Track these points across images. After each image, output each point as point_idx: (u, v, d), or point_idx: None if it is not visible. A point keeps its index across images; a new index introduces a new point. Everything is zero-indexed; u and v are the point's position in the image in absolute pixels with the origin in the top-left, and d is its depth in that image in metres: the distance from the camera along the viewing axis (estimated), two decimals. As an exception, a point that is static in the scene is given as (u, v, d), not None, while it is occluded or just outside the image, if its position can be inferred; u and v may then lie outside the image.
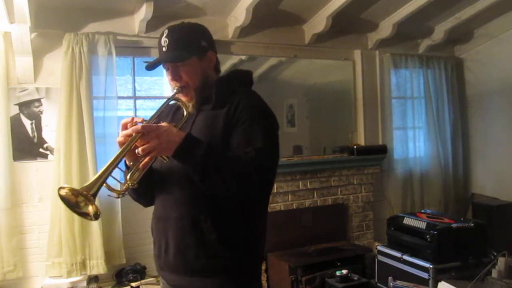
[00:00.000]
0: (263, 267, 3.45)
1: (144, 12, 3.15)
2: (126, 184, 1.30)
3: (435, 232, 3.13)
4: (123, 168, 1.38)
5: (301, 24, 4.00)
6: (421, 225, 3.30)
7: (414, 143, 4.48)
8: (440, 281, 2.93)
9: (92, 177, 1.21)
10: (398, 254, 3.39)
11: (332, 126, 4.27)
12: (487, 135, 4.65)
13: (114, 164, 1.22)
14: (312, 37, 3.96)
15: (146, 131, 1.24)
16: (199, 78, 1.45)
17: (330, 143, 4.18)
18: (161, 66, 1.48)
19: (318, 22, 3.83)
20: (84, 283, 3.13)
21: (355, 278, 3.29)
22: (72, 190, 1.16)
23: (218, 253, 1.36)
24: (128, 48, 3.44)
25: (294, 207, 3.84)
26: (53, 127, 3.19)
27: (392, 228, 3.60)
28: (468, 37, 4.70)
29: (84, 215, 1.19)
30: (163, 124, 1.30)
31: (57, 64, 3.16)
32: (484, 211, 4.19)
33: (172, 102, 1.51)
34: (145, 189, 1.47)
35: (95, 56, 3.22)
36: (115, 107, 3.32)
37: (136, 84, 3.69)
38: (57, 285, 3.08)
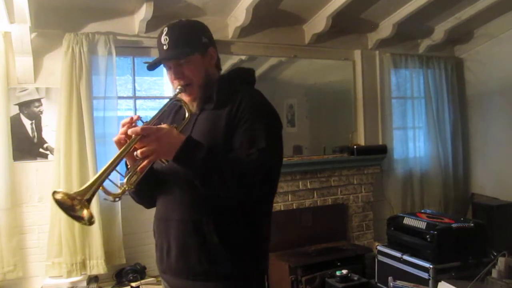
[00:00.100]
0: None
1: (144, 12, 3.15)
2: (123, 188, 1.26)
3: (435, 232, 3.13)
4: (124, 167, 1.35)
5: (301, 24, 4.00)
6: (421, 225, 3.30)
7: (414, 143, 4.48)
8: (440, 281, 2.93)
9: (91, 178, 1.18)
10: (398, 254, 3.39)
11: (332, 126, 4.27)
12: (487, 135, 4.65)
13: (111, 167, 1.18)
14: (312, 37, 3.96)
15: (146, 133, 1.21)
16: (203, 75, 1.42)
17: (330, 143, 4.18)
18: (162, 66, 1.45)
19: (318, 22, 3.83)
20: (84, 283, 3.13)
21: (355, 278, 3.29)
22: (66, 194, 1.13)
23: (220, 257, 1.34)
24: (128, 48, 3.44)
25: (294, 207, 3.84)
26: (53, 127, 3.19)
27: (392, 228, 3.60)
28: (468, 37, 4.70)
29: (79, 218, 1.15)
30: (164, 126, 1.27)
31: (57, 64, 3.16)
32: (484, 211, 4.19)
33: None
34: (146, 190, 1.46)
35: (95, 56, 3.22)
36: (115, 107, 3.32)
37: (136, 84, 3.70)
38: (57, 285, 3.08)
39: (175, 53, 1.38)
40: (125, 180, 1.26)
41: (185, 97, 1.44)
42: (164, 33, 1.40)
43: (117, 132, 1.30)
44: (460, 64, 4.84)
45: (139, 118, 1.29)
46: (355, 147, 4.09)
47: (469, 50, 4.77)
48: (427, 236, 3.17)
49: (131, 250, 3.36)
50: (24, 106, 3.16)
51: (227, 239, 1.34)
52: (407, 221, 3.46)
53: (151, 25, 3.29)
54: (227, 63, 3.68)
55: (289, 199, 3.81)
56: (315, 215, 3.96)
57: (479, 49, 4.67)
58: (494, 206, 4.17)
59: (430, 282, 3.05)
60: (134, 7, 3.29)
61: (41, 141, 3.20)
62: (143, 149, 1.20)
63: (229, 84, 1.44)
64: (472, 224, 3.26)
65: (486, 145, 4.66)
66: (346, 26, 4.06)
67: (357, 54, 4.28)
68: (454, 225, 3.21)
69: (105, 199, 1.25)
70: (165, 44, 1.39)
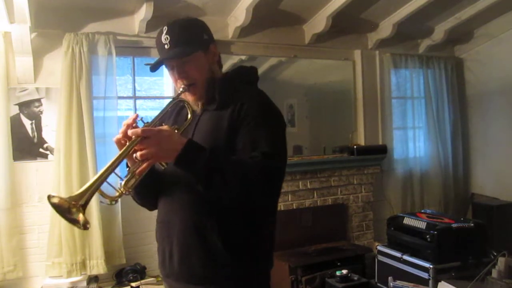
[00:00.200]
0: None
1: (144, 12, 3.16)
2: (120, 191, 1.22)
3: (435, 232, 3.13)
4: (125, 168, 1.32)
5: (301, 24, 4.00)
6: (421, 225, 3.30)
7: (414, 143, 4.48)
8: (440, 281, 2.93)
9: (89, 180, 1.15)
10: (398, 254, 3.39)
11: (332, 126, 4.27)
12: (487, 135, 4.65)
13: (109, 170, 1.14)
14: (312, 37, 3.96)
15: (146, 135, 1.17)
16: (206, 73, 1.39)
17: (330, 143, 4.18)
18: (162, 66, 1.42)
19: (318, 22, 3.83)
20: (84, 283, 3.13)
21: (355, 278, 3.29)
22: (61, 199, 1.10)
23: (223, 261, 1.31)
24: (128, 48, 3.44)
25: (294, 207, 3.84)
26: (53, 127, 3.19)
27: (392, 228, 3.60)
28: (468, 37, 4.70)
29: (75, 221, 1.12)
30: (165, 127, 1.24)
31: (57, 64, 3.16)
32: (484, 211, 4.20)
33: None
34: (146, 193, 1.44)
35: (95, 56, 3.22)
36: (115, 107, 3.32)
37: (136, 84, 3.69)
38: (57, 285, 3.08)
39: (178, 51, 1.35)
40: (122, 183, 1.23)
41: (188, 97, 1.42)
42: (164, 32, 1.37)
43: (117, 132, 1.27)
44: (460, 64, 4.84)
45: (137, 116, 1.26)
46: (355, 147, 4.09)
47: (469, 50, 4.77)
48: (427, 236, 3.17)
49: (131, 250, 3.36)
50: (24, 106, 3.16)
51: (231, 243, 1.31)
52: (407, 221, 3.46)
53: (151, 25, 3.29)
54: (227, 63, 3.68)
55: (289, 199, 3.81)
56: (315, 215, 3.96)
57: (479, 49, 4.67)
58: (494, 206, 4.17)
59: (430, 282, 3.05)
60: (134, 7, 3.29)
61: (41, 141, 3.20)
62: (143, 151, 1.17)
63: (231, 84, 1.41)
64: (472, 224, 3.26)
65: (486, 145, 4.66)
66: (346, 26, 4.06)
67: (357, 54, 4.28)
68: (454, 225, 3.21)
69: (101, 202, 1.23)
70: (166, 44, 1.36)
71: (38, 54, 3.14)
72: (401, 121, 4.43)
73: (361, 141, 4.26)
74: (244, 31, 3.64)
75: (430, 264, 3.08)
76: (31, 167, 3.17)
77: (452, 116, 4.62)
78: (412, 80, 4.46)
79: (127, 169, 1.29)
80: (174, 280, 1.42)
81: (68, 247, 3.07)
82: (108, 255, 3.20)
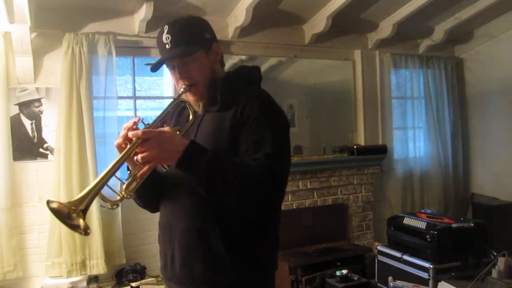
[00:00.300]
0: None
1: (144, 12, 3.16)
2: (121, 195, 1.19)
3: (435, 232, 3.13)
4: (126, 171, 1.30)
5: (301, 24, 4.00)
6: (421, 225, 3.30)
7: (414, 143, 4.48)
8: (440, 281, 2.93)
9: (90, 183, 1.12)
10: (398, 254, 3.39)
11: (332, 126, 4.27)
12: (487, 135, 4.65)
13: (109, 174, 1.12)
14: (312, 37, 3.96)
15: (147, 137, 1.15)
16: (208, 73, 1.37)
17: (330, 143, 4.18)
18: (162, 66, 1.40)
19: (318, 22, 3.83)
20: (84, 283, 3.13)
21: (355, 278, 3.29)
22: (61, 204, 1.07)
23: (225, 265, 1.29)
24: (128, 48, 3.44)
25: (294, 207, 3.84)
26: (53, 127, 3.19)
27: (392, 228, 3.60)
28: (468, 37, 4.70)
29: (75, 227, 1.08)
30: (166, 129, 1.21)
31: (57, 64, 3.16)
32: (484, 211, 4.20)
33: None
34: (148, 196, 1.43)
35: (95, 56, 3.22)
36: (115, 107, 3.32)
37: (136, 84, 3.69)
38: (57, 285, 3.08)
39: (179, 51, 1.32)
40: (123, 186, 1.20)
41: (189, 97, 1.40)
42: (165, 31, 1.34)
43: (118, 133, 1.26)
44: (460, 64, 4.84)
45: (140, 120, 1.23)
46: (355, 147, 4.09)
47: (469, 50, 4.77)
48: (427, 236, 3.17)
49: (131, 250, 3.36)
50: (24, 106, 3.16)
51: (233, 247, 1.29)
52: (407, 221, 3.46)
53: (151, 25, 3.29)
54: (227, 63, 3.63)
55: (289, 199, 3.81)
56: (315, 215, 3.96)
57: (479, 49, 4.67)
58: (494, 206, 4.17)
59: (430, 282, 3.05)
60: (134, 7, 3.29)
61: (41, 141, 3.20)
62: (144, 154, 1.14)
63: (233, 85, 1.39)
64: (472, 224, 3.26)
65: (486, 145, 4.66)
66: (346, 26, 4.06)
67: (357, 54, 4.28)
68: (454, 225, 3.21)
69: (102, 206, 1.19)
70: (168, 43, 1.33)
71: (38, 54, 3.14)
72: (401, 121, 4.43)
73: (361, 141, 4.27)
74: (244, 31, 3.64)
75: (430, 264, 3.08)
76: (31, 167, 3.17)
77: (452, 116, 4.63)
78: (412, 80, 4.46)
79: (128, 172, 1.27)
80: (175, 284, 1.40)
81: (68, 247, 3.07)
82: (108, 255, 3.20)
